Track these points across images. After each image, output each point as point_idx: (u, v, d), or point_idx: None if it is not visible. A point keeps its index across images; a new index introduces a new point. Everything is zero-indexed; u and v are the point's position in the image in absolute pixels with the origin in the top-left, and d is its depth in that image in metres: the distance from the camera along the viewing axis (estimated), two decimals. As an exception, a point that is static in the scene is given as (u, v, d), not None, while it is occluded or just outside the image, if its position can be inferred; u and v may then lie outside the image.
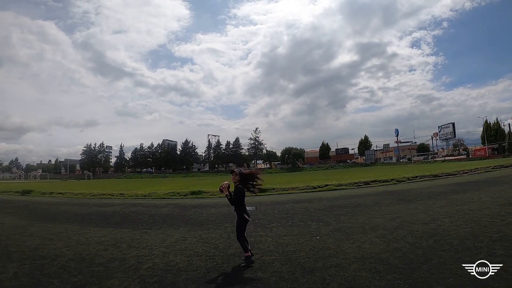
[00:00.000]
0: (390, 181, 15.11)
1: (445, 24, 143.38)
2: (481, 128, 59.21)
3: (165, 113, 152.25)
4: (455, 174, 17.04)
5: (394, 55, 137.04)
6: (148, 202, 13.31)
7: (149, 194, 15.92)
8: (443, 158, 53.76)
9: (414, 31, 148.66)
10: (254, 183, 4.40)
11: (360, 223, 6.29)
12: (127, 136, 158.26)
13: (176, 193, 15.62)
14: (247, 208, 4.32)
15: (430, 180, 15.57)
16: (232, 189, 4.34)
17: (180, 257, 4.61)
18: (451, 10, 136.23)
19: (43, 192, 19.39)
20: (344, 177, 20.27)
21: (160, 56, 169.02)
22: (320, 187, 14.35)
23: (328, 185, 14.65)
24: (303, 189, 14.15)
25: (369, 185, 14.44)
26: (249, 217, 4.22)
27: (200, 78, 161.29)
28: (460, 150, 65.02)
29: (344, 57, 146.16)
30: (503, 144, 55.32)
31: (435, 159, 56.04)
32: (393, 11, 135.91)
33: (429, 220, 6.02)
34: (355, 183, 14.93)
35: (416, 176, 16.35)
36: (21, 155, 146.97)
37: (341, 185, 14.53)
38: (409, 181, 15.39)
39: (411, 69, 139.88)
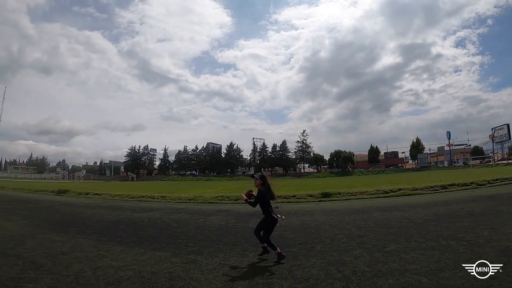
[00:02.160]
0: (469, 185, 13.87)
1: (490, 21, 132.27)
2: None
3: (209, 117, 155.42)
4: (538, 178, 15.85)
5: (439, 55, 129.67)
6: (194, 207, 11.49)
7: (194, 198, 14.08)
8: (506, 162, 49.55)
9: (458, 30, 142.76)
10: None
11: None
12: (172, 140, 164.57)
13: (225, 197, 13.61)
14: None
15: (513, 183, 14.21)
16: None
17: None
18: (495, 7, 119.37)
19: (78, 193, 18.43)
20: (414, 181, 17.75)
21: (204, 63, 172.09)
22: (392, 191, 12.98)
23: (401, 189, 13.36)
24: (374, 194, 12.76)
25: (447, 189, 13.24)
26: (277, 217, 4.07)
27: (243, 83, 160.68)
28: (516, 153, 61.52)
29: (387, 59, 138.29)
30: None
31: (496, 162, 52.72)
32: (435, 10, 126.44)
33: None
34: (431, 187, 13.61)
35: (497, 179, 14.96)
36: (69, 157, 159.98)
37: (416, 189, 13.30)
38: (489, 184, 14.08)
39: (457, 70, 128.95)
